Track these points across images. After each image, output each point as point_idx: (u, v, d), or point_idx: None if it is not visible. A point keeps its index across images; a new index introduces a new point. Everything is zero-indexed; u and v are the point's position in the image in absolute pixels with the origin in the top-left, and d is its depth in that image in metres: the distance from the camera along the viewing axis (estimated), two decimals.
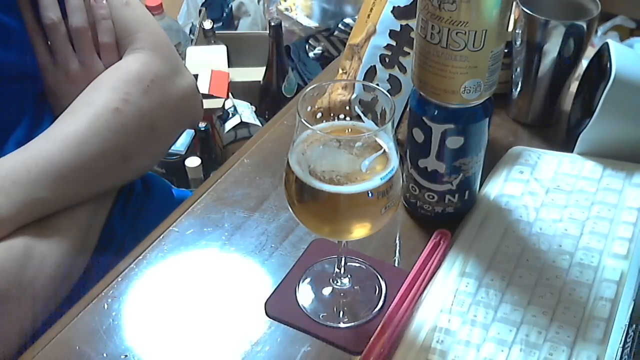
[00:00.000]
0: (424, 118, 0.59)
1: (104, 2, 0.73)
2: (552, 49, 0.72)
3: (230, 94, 1.59)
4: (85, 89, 0.69)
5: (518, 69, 0.77)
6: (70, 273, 0.65)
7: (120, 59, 0.73)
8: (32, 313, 0.61)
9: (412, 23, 0.68)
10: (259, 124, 1.55)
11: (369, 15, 0.72)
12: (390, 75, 0.71)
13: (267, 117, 1.62)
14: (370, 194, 0.50)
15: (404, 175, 0.65)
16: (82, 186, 0.66)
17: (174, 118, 0.75)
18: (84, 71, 0.72)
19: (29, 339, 0.59)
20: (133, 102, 0.68)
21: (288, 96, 1.62)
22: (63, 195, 0.64)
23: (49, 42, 0.72)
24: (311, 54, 1.78)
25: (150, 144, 0.72)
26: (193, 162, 1.47)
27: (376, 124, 0.53)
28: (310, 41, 1.79)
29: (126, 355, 0.56)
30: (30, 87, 0.72)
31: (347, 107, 0.54)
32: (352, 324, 0.58)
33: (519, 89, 0.78)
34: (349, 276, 0.61)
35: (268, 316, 0.59)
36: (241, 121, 1.52)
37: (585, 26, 0.71)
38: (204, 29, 1.73)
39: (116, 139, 0.67)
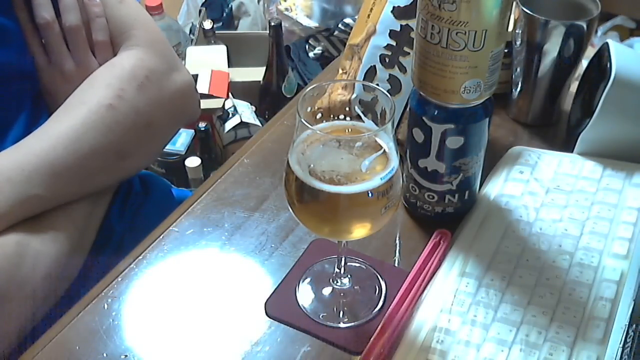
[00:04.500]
0: (424, 118, 0.59)
1: (98, 0, 0.73)
2: (552, 49, 0.72)
3: (230, 94, 1.59)
4: (79, 86, 0.69)
5: (518, 69, 0.77)
6: (67, 271, 0.65)
7: (116, 56, 0.73)
8: (28, 311, 0.61)
9: (412, 23, 0.68)
10: (259, 124, 1.55)
11: (369, 15, 0.72)
12: (390, 75, 0.71)
13: (267, 117, 1.62)
14: (370, 194, 0.50)
15: (404, 175, 0.65)
16: (77, 183, 0.66)
17: (169, 114, 0.74)
18: (79, 70, 0.72)
19: (28, 338, 0.59)
20: (127, 99, 0.68)
21: (288, 96, 1.62)
22: (57, 192, 0.64)
23: (44, 42, 0.72)
24: (311, 54, 1.78)
25: (145, 140, 0.72)
26: (193, 162, 1.48)
27: (376, 124, 0.53)
28: (310, 41, 1.79)
29: (126, 355, 0.56)
30: (28, 86, 0.72)
31: (347, 107, 0.54)
32: (352, 324, 0.58)
33: (519, 89, 0.78)
34: (349, 276, 0.61)
35: (268, 316, 0.59)
36: (241, 121, 1.52)
37: (585, 26, 0.71)
38: (204, 29, 1.73)
39: (110, 136, 0.67)
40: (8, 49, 0.69)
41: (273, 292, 0.61)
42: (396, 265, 0.64)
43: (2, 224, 0.60)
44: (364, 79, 0.71)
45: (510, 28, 0.74)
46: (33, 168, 0.62)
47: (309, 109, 0.53)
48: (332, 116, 0.54)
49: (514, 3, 0.72)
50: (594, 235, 0.62)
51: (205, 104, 1.50)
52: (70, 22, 0.71)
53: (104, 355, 0.56)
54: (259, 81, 1.68)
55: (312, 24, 1.78)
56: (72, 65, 0.72)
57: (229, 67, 1.65)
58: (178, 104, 0.75)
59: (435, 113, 0.59)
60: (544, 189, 0.68)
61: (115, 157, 0.68)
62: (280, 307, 0.60)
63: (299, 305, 0.60)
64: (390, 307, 0.57)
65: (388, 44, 0.70)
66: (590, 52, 0.75)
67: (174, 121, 0.77)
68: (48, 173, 0.62)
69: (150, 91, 0.71)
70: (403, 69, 0.70)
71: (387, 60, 0.71)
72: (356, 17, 0.76)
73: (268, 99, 1.67)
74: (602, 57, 0.72)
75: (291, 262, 0.63)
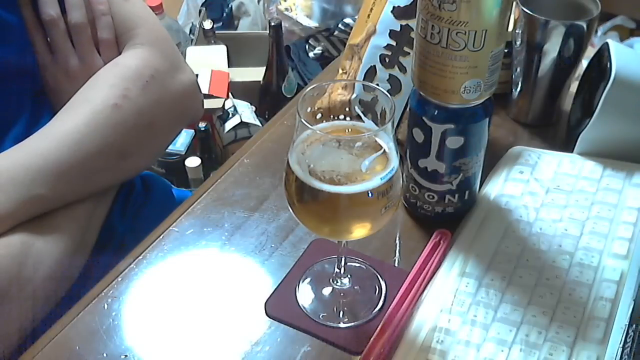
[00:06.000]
0: (424, 118, 0.59)
1: None
2: (552, 49, 0.72)
3: (230, 94, 1.59)
4: (83, 86, 0.69)
5: (518, 69, 0.77)
6: (69, 271, 0.65)
7: (120, 54, 0.73)
8: (30, 311, 0.61)
9: (412, 23, 0.68)
10: (259, 124, 1.55)
11: (369, 15, 0.72)
12: (390, 75, 0.71)
13: (267, 117, 1.62)
14: (370, 194, 0.50)
15: (404, 175, 0.65)
16: (80, 183, 0.66)
17: (172, 114, 0.74)
18: (83, 68, 0.72)
19: (29, 338, 0.59)
20: (132, 98, 0.68)
21: (288, 96, 1.62)
22: (61, 192, 0.64)
23: (49, 39, 0.72)
24: (311, 54, 1.78)
25: (148, 141, 0.72)
26: (193, 162, 1.48)
27: (376, 124, 0.53)
28: (310, 41, 1.79)
29: (126, 355, 0.56)
30: (29, 84, 0.72)
31: (347, 107, 0.54)
32: (352, 324, 0.58)
33: (519, 89, 0.78)
34: (349, 276, 0.61)
35: (268, 316, 0.59)
36: (241, 121, 1.53)
37: (585, 26, 0.71)
38: (204, 29, 1.73)
39: (114, 136, 0.67)
40: (9, 45, 0.69)
41: (273, 292, 0.61)
42: (396, 265, 0.64)
43: (7, 224, 0.60)
44: (364, 79, 0.71)
45: (510, 28, 0.74)
46: (37, 168, 0.62)
47: (309, 109, 0.53)
48: (332, 116, 0.54)
49: (514, 3, 0.72)
50: (594, 235, 0.62)
51: (205, 104, 1.50)
52: (75, 20, 0.71)
53: (104, 355, 0.56)
54: (259, 81, 1.68)
55: (312, 24, 1.78)
56: (76, 62, 0.72)
57: (229, 67, 1.65)
58: (181, 104, 0.75)
59: (435, 113, 0.59)
60: (544, 189, 0.68)
61: (118, 157, 0.68)
62: (280, 307, 0.60)
63: (299, 305, 0.60)
64: (390, 307, 0.57)
65: (388, 44, 0.70)
66: (590, 52, 0.75)
67: (177, 121, 0.77)
68: (52, 173, 0.62)
69: (154, 91, 0.70)
70: (403, 69, 0.70)
71: (387, 60, 0.71)
72: (356, 17, 0.76)
73: (268, 99, 1.67)
74: (602, 57, 0.72)
75: (291, 262, 0.63)
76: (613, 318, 0.55)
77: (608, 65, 0.69)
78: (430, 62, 0.56)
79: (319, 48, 1.78)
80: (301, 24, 1.79)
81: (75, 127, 0.65)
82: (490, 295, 0.57)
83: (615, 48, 0.70)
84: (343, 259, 0.60)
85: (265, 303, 0.60)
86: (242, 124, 1.53)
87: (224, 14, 1.96)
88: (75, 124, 0.65)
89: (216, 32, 1.76)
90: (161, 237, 0.66)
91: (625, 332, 0.53)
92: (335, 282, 0.61)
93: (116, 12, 0.73)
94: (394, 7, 0.70)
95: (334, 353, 0.56)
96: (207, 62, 1.62)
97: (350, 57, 0.73)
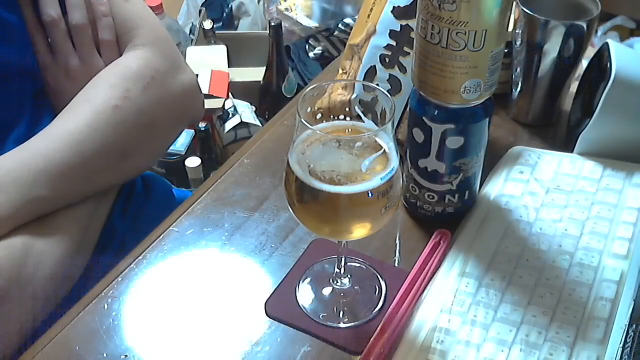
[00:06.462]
0: (424, 118, 0.59)
1: None
2: (552, 49, 0.72)
3: (230, 94, 1.59)
4: (84, 87, 0.69)
5: (518, 69, 0.77)
6: (70, 272, 0.65)
7: (121, 55, 0.73)
8: (31, 312, 0.61)
9: (412, 23, 0.68)
10: (259, 124, 1.55)
11: (369, 15, 0.72)
12: (390, 75, 0.71)
13: (267, 117, 1.62)
14: (370, 194, 0.50)
15: (404, 175, 0.65)
16: (82, 184, 0.66)
17: (173, 115, 0.74)
18: (84, 68, 0.72)
19: (29, 338, 0.59)
20: (133, 99, 0.68)
21: (288, 96, 1.62)
22: (62, 193, 0.64)
23: (49, 39, 0.72)
24: (311, 54, 1.78)
25: (149, 141, 0.72)
26: (193, 162, 1.48)
27: (376, 124, 0.53)
28: (310, 41, 1.79)
29: (126, 355, 0.56)
30: (29, 84, 0.72)
31: (347, 107, 0.54)
32: (352, 324, 0.58)
33: (519, 89, 0.78)
34: (349, 276, 0.61)
35: (268, 316, 0.59)
36: (241, 121, 1.53)
37: (585, 26, 0.71)
38: (204, 29, 1.73)
39: (115, 137, 0.67)
40: (9, 45, 0.69)
41: (273, 292, 0.61)
42: (396, 265, 0.64)
43: (9, 225, 0.60)
44: (364, 79, 0.71)
45: (510, 28, 0.74)
46: (39, 169, 0.62)
47: (309, 109, 0.53)
48: (332, 116, 0.54)
49: (514, 3, 0.72)
50: (594, 235, 0.62)
51: (205, 104, 1.50)
52: (76, 20, 0.71)
53: (104, 355, 0.56)
54: (259, 81, 1.68)
55: (312, 24, 1.78)
56: (77, 63, 0.72)
57: (229, 67, 1.65)
58: (182, 104, 0.75)
59: (435, 113, 0.59)
60: (544, 189, 0.68)
61: (119, 158, 0.68)
62: (280, 307, 0.60)
63: (299, 305, 0.60)
64: (390, 307, 0.57)
65: (388, 44, 0.70)
66: (590, 52, 0.75)
67: (178, 121, 0.77)
68: (53, 174, 0.62)
69: (155, 92, 0.70)
70: (403, 69, 0.70)
71: (387, 60, 0.71)
72: (356, 17, 0.76)
73: (268, 99, 1.67)
74: (602, 57, 0.72)
75: (291, 262, 0.63)
76: (613, 318, 0.55)
77: (608, 65, 0.69)
78: (430, 62, 0.56)
79: (319, 48, 1.78)
80: (301, 24, 1.79)
81: (76, 128, 0.65)
82: (490, 295, 0.57)
83: (615, 48, 0.70)
84: (343, 259, 0.60)
85: (265, 303, 0.60)
86: (242, 124, 1.53)
87: (224, 14, 1.96)
88: (76, 125, 0.65)
89: (216, 32, 1.76)
90: (161, 237, 0.66)
91: (625, 332, 0.53)
92: (335, 282, 0.61)
93: (117, 12, 0.73)
94: (394, 7, 0.70)
95: (334, 353, 0.56)
96: (207, 62, 1.62)
97: (350, 57, 0.73)
